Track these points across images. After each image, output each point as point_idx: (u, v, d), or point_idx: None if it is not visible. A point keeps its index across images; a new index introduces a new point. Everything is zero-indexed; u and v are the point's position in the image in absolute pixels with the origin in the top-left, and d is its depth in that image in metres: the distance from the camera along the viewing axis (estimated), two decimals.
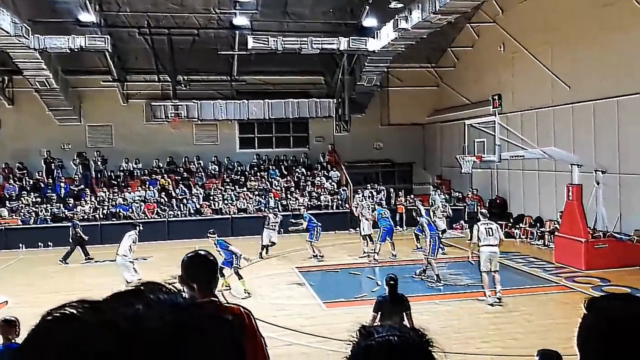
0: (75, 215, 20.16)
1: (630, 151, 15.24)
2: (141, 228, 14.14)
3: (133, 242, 13.04)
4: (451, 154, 22.75)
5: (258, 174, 24.95)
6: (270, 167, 25.44)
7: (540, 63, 18.50)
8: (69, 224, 18.65)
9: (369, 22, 20.97)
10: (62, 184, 22.98)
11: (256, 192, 23.60)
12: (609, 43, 15.74)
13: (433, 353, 1.16)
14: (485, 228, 11.44)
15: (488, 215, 12.63)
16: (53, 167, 23.80)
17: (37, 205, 21.64)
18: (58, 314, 0.70)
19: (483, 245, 11.32)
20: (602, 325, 1.25)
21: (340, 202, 23.55)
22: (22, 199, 21.89)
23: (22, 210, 21.33)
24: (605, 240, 14.57)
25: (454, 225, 21.78)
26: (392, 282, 7.56)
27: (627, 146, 15.34)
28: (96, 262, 17.26)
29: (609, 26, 15.64)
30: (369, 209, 17.72)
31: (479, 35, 22.55)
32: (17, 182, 22.88)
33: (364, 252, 16.63)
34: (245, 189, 23.85)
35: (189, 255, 3.21)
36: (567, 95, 17.54)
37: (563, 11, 17.25)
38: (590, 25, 16.30)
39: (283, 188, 24.14)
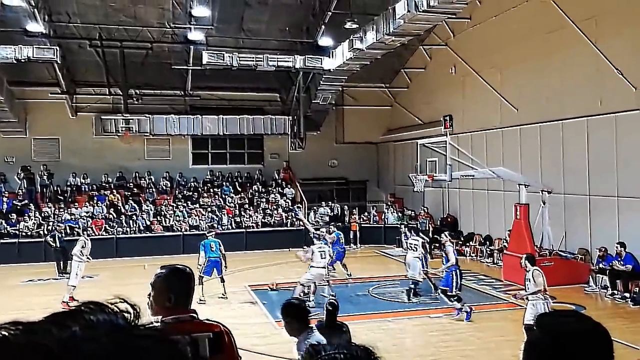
0: (57, 228, 19.23)
1: (574, 172, 15.85)
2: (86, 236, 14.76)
3: (82, 247, 13.71)
4: (404, 173, 23.11)
5: (211, 190, 24.63)
6: (224, 183, 25.17)
7: (490, 86, 19.10)
8: (48, 238, 18.14)
9: (325, 41, 21.19)
10: (5, 199, 22.06)
11: (209, 209, 23.25)
12: (552, 68, 16.42)
13: None
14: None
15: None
16: None
17: None
18: None
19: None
20: (545, 341, 1.27)
21: (294, 219, 23.47)
22: None
23: None
24: (551, 259, 15.02)
25: None
26: (330, 307, 6.88)
27: (571, 167, 15.96)
28: (40, 279, 16.55)
29: (552, 52, 16.34)
30: (328, 231, 17.46)
31: (431, 58, 23.13)
32: None
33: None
34: (197, 205, 23.47)
35: (164, 270, 3.09)
36: (515, 117, 18.14)
37: (510, 36, 17.91)
38: (535, 50, 16.98)
39: (237, 205, 23.89)
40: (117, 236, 21.13)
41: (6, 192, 22.47)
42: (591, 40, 14.74)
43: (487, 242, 19.31)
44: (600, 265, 14.04)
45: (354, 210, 23.90)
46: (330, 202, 24.63)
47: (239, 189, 25.01)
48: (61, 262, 17.05)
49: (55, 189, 23.36)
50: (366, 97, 26.03)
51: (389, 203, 25.26)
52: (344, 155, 26.64)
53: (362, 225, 23.11)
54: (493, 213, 19.47)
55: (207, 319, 3.04)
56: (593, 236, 15.31)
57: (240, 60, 20.37)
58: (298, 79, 24.16)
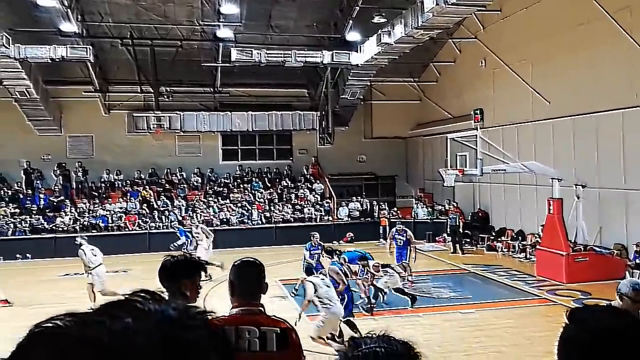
0: None
1: (608, 166, 15.48)
2: None
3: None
4: (434, 168, 22.94)
5: (241, 186, 24.86)
6: (254, 179, 25.38)
7: (521, 78, 18.78)
8: None
9: (353, 36, 21.14)
10: (42, 195, 22.65)
11: (239, 204, 23.49)
12: (585, 60, 16.04)
13: None
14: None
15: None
16: (33, 177, 23.45)
17: (15, 217, 21.27)
18: (44, 328, 0.68)
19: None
20: (583, 336, 1.26)
21: (323, 214, 23.57)
22: (0, 210, 21.50)
23: (1, 222, 20.95)
24: (585, 254, 14.74)
25: (436, 238, 21.90)
26: None
27: (606, 161, 15.59)
28: (75, 274, 16.97)
29: (586, 43, 15.96)
30: (204, 232, 16.55)
31: (461, 51, 22.84)
32: None
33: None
34: (228, 201, 23.73)
35: (238, 262, 3.20)
36: (547, 111, 17.80)
37: (542, 28, 17.56)
38: (568, 42, 16.62)
39: (266, 200, 24.06)
40: (150, 231, 21.53)
41: (43, 189, 23.08)
42: (626, 31, 14.35)
43: (520, 238, 19.03)
44: (637, 261, 13.71)
45: (383, 205, 23.82)
46: (359, 197, 24.62)
47: (269, 185, 25.18)
48: None
49: (90, 185, 23.90)
50: (395, 91, 25.87)
51: (419, 198, 25.09)
52: (372, 150, 26.55)
53: (392, 220, 23.01)
54: (525, 208, 19.17)
55: (274, 315, 3.10)
56: (629, 231, 14.94)
57: (268, 57, 20.47)
58: (326, 75, 24.16)
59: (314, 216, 23.37)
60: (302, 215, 23.33)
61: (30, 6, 18.25)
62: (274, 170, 26.19)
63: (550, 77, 17.57)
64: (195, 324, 0.71)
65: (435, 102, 24.83)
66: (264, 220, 22.83)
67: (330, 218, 23.58)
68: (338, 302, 8.81)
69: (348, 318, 9.28)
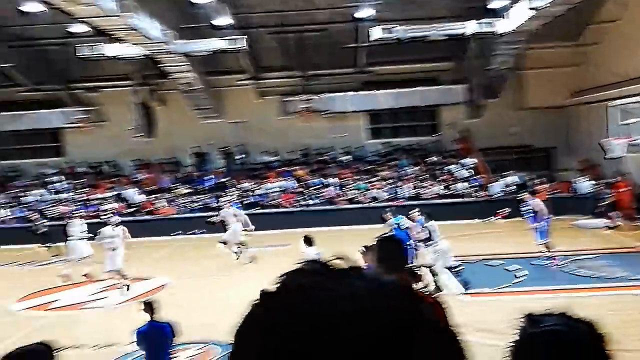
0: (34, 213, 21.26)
1: None
2: None
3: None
4: (598, 138, 21.04)
5: (388, 163, 25.04)
6: (400, 156, 25.38)
7: None
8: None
9: (497, 3, 20.02)
10: (210, 177, 24.88)
11: (387, 182, 23.72)
12: None
13: (606, 351, 1.07)
14: None
15: None
16: (201, 161, 25.84)
17: (188, 196, 23.70)
18: (286, 292, 0.68)
19: None
20: None
21: (476, 190, 22.92)
22: (176, 191, 24.09)
23: (177, 201, 23.48)
24: None
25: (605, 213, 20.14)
26: None
27: None
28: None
29: None
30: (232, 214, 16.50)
31: (628, 6, 20.53)
32: (171, 176, 25.21)
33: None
34: (376, 178, 24.06)
35: (381, 238, 3.45)
36: None
37: None
38: None
39: (415, 177, 23.98)
40: (305, 209, 22.66)
41: (210, 171, 25.37)
42: None
43: None
44: None
45: (541, 179, 22.38)
46: (514, 172, 23.45)
47: (416, 161, 25.02)
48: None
49: (250, 166, 25.73)
50: (549, 57, 23.96)
51: (581, 171, 23.19)
52: (525, 121, 24.97)
53: (552, 195, 21.53)
54: None
55: (421, 290, 3.26)
56: None
57: (409, 33, 20.15)
58: (471, 45, 23.19)
59: (465, 192, 22.81)
60: (452, 192, 22.90)
61: (187, 4, 19.89)
62: (421, 146, 25.93)
63: None
64: (412, 294, 0.71)
65: (598, 65, 22.66)
66: (413, 197, 22.78)
67: (483, 194, 22.84)
68: None
69: None
